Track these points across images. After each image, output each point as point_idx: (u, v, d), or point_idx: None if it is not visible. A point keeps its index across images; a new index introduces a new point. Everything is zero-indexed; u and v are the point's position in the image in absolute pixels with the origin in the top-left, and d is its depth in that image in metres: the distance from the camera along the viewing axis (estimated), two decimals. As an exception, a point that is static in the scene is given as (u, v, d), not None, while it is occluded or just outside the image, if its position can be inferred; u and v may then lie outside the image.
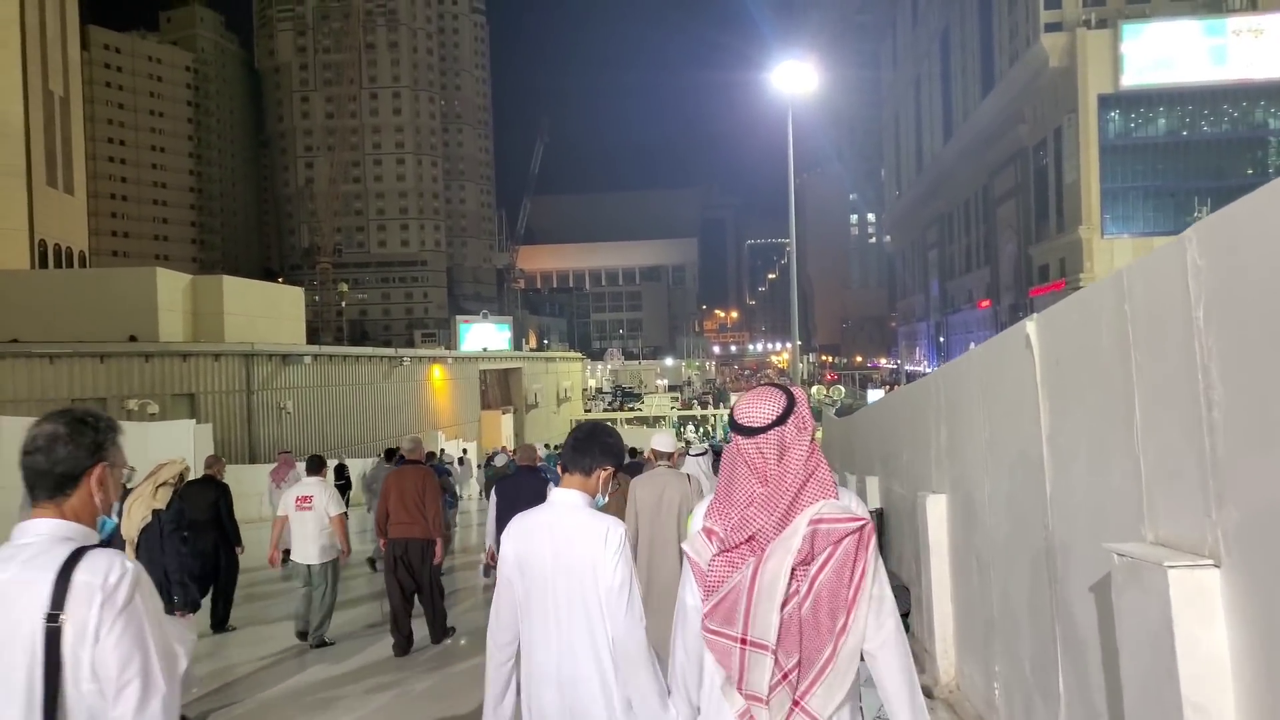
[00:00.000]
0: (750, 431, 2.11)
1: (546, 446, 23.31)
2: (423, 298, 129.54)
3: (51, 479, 1.96)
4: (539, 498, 7.62)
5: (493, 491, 7.74)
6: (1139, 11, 63.40)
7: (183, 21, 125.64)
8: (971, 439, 4.71)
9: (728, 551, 2.11)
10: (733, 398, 73.83)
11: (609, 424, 3.44)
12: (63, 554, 1.88)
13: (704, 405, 75.66)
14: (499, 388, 45.34)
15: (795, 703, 2.04)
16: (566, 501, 2.91)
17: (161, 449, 16.02)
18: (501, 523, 6.75)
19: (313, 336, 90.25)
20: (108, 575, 1.86)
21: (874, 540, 2.13)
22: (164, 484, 7.01)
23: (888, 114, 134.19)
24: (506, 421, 42.95)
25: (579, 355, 68.41)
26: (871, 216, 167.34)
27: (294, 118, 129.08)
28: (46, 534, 1.93)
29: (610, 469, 3.04)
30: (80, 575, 1.85)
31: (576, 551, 2.78)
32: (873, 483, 8.47)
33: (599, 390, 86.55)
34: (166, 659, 1.93)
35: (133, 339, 20.39)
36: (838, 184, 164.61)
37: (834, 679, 2.04)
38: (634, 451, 20.26)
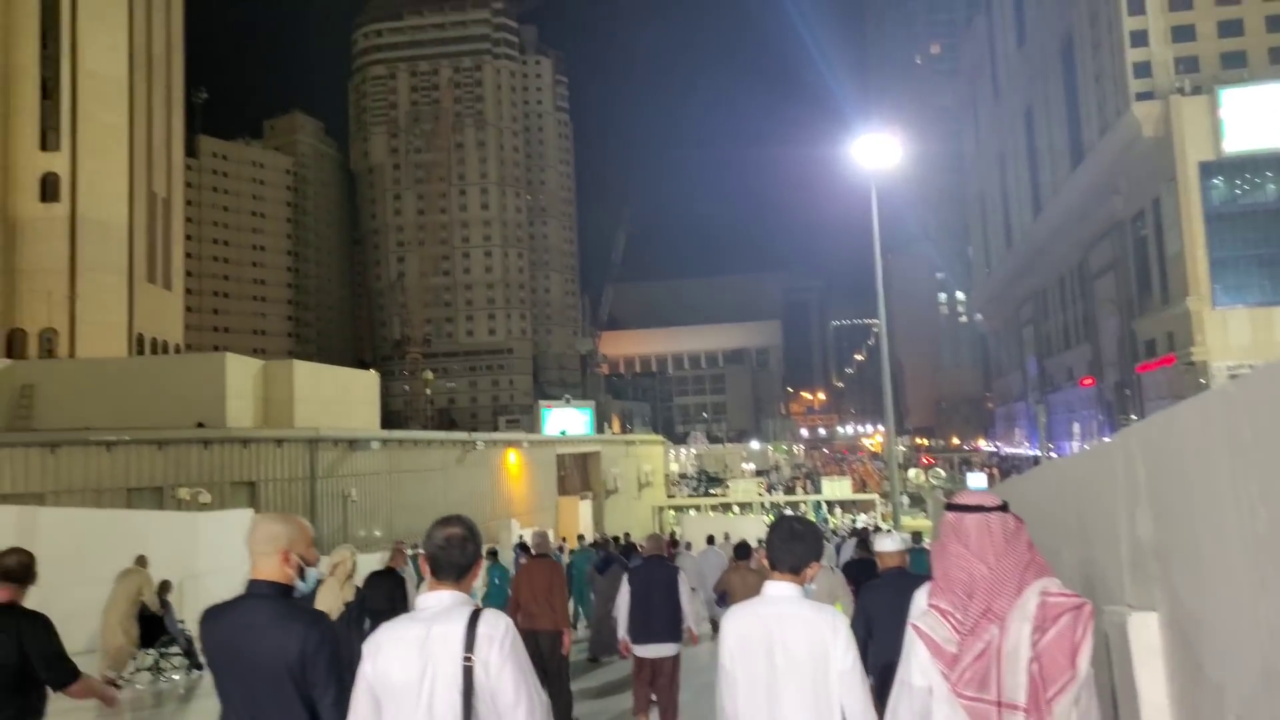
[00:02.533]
0: (983, 509, 2.47)
1: (616, 541, 21.83)
2: (508, 385, 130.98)
3: (457, 568, 2.81)
4: (672, 588, 7.74)
5: (624, 581, 8.01)
6: (1236, 76, 60.94)
7: (285, 128, 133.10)
8: (1215, 529, 2.59)
9: (970, 624, 2.39)
10: (824, 482, 71.56)
11: (805, 518, 3.52)
12: (465, 614, 2.68)
13: (790, 490, 73.19)
14: (577, 473, 44.40)
15: None
16: (784, 595, 3.08)
17: (214, 539, 15.43)
18: (635, 614, 7.51)
19: (401, 424, 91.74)
20: (498, 628, 2.66)
21: (1093, 621, 2.40)
22: (349, 577, 7.67)
23: (973, 191, 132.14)
24: (585, 508, 41.80)
25: (660, 438, 67.18)
26: (961, 295, 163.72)
27: (387, 215, 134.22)
28: (450, 601, 2.75)
29: (818, 564, 3.19)
30: (481, 628, 2.65)
31: (805, 639, 2.96)
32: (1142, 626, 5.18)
33: (682, 475, 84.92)
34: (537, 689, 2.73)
35: (200, 425, 20.25)
36: (925, 263, 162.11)
37: None
38: (710, 539, 18.98)
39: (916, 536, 20.64)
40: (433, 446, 26.40)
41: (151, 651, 11.77)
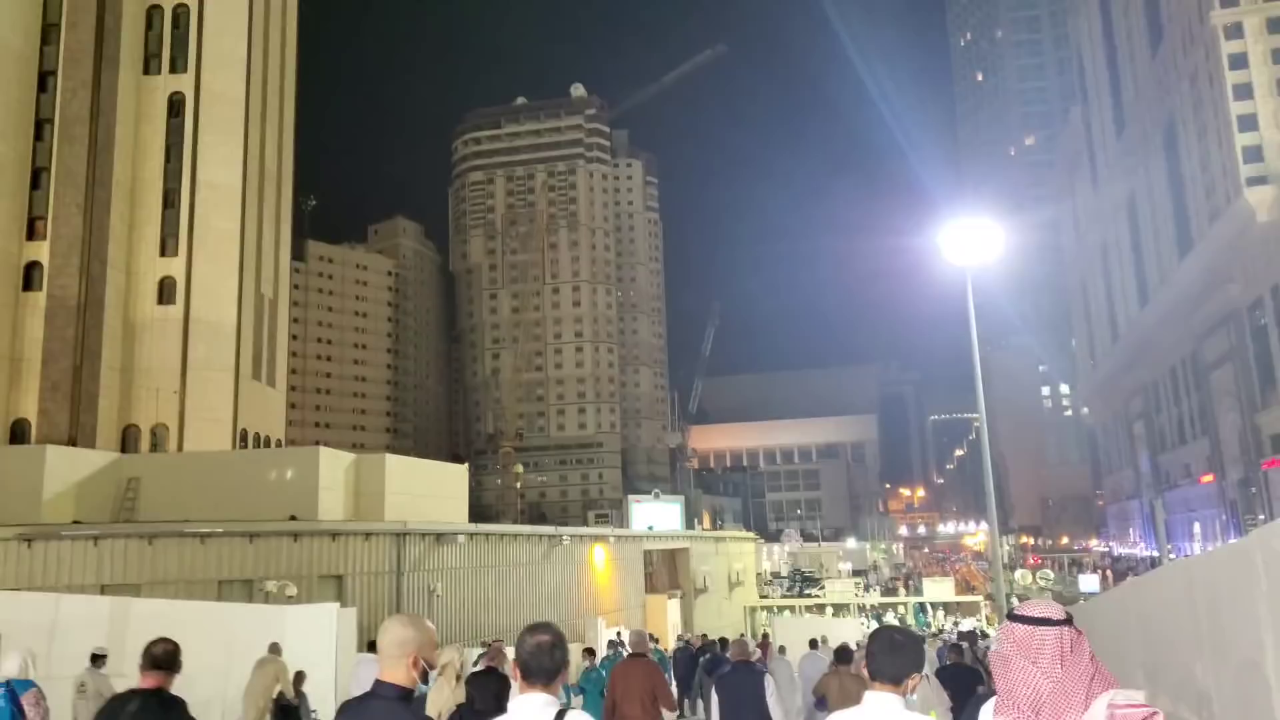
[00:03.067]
0: (1051, 623, 2.44)
1: (704, 637, 20.99)
2: (598, 479, 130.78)
3: (547, 673, 3.03)
4: (758, 693, 7.67)
5: (714, 690, 8.13)
6: (1356, 156, 58.39)
7: (388, 232, 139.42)
8: None
9: None
10: (926, 583, 68.74)
11: (906, 628, 3.41)
12: (553, 712, 2.95)
13: (890, 591, 70.20)
14: (666, 570, 43.33)
15: None
16: (885, 705, 3.05)
17: (301, 633, 15.32)
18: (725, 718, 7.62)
19: (492, 518, 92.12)
20: None
21: None
22: (459, 677, 7.86)
23: (1074, 282, 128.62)
24: (673, 607, 40.60)
25: (752, 535, 65.51)
26: (1065, 388, 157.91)
27: (482, 313, 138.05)
28: (542, 703, 2.97)
29: (919, 675, 3.18)
30: None
31: None
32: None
33: (775, 574, 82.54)
34: None
35: (293, 518, 20.50)
36: (1026, 355, 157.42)
37: None
38: (813, 643, 17.99)
39: None
40: (519, 540, 26.07)
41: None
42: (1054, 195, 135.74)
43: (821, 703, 9.70)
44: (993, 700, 2.57)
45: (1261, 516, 53.15)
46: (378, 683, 3.22)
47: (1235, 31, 62.79)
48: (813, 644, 17.79)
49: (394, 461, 25.43)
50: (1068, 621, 2.48)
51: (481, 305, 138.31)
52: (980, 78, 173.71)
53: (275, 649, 12.17)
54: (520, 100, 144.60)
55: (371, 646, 13.35)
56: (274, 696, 11.84)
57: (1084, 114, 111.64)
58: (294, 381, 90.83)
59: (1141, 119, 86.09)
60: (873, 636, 3.28)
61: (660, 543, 42.88)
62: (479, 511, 76.83)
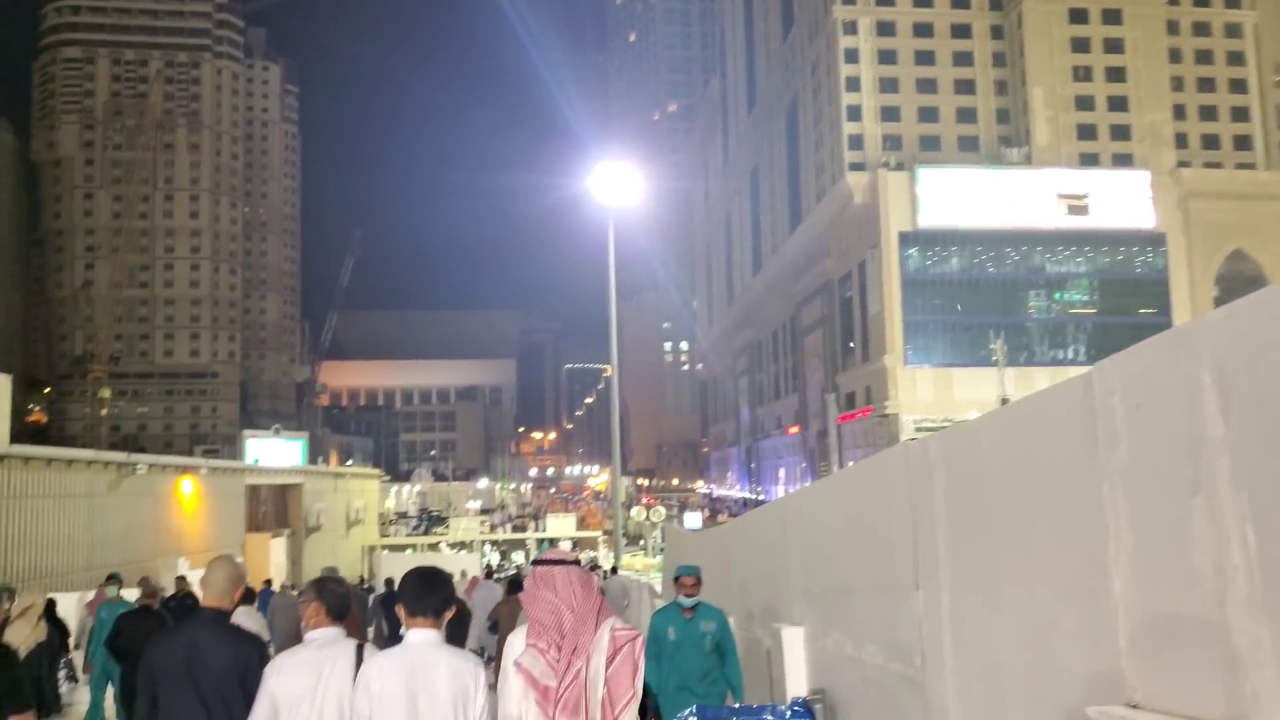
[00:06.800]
0: (565, 563, 3.14)
1: (389, 581, 18.08)
2: (211, 412, 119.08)
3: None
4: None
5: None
6: (933, 158, 67.89)
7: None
8: (833, 576, 5.02)
9: (564, 660, 2.93)
10: (550, 519, 71.10)
11: (437, 567, 3.60)
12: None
13: (521, 529, 71.33)
14: (274, 506, 39.70)
15: None
16: (427, 637, 3.20)
17: None
18: None
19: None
20: None
21: (643, 647, 3.08)
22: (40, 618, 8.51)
23: (700, 246, 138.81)
24: (278, 546, 37.19)
25: (376, 472, 62.80)
26: (685, 345, 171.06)
27: (74, 214, 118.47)
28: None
29: (453, 608, 3.39)
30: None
31: (449, 684, 3.14)
32: (792, 637, 5.03)
33: (401, 514, 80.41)
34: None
35: None
36: (653, 311, 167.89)
37: None
38: (488, 573, 16.77)
39: (614, 572, 19.74)
40: (74, 467, 21.54)
41: None
42: (689, 164, 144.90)
43: (494, 626, 10.58)
44: (522, 628, 3.10)
45: (834, 464, 60.75)
46: None
47: (851, 28, 70.07)
48: (488, 574, 17.84)
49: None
50: (577, 563, 3.20)
51: (74, 205, 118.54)
52: (633, 38, 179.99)
53: None
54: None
55: None
56: None
57: (721, 87, 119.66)
58: None
59: (769, 98, 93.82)
60: (405, 578, 3.38)
61: (268, 477, 39.06)
62: (63, 444, 65.69)
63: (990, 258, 66.59)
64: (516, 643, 3.03)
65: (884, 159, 67.13)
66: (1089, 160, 67.65)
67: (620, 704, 2.91)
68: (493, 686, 3.18)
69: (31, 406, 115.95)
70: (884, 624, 3.57)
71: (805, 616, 4.93)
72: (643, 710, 4.52)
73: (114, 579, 10.84)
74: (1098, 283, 66.41)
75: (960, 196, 64.28)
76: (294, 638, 8.43)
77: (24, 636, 7.94)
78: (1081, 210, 64.65)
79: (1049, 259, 66.79)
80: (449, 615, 3.25)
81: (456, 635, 7.39)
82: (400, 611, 3.27)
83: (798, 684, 4.71)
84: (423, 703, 2.98)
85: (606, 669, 2.92)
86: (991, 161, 67.87)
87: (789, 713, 4.19)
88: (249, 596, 10.42)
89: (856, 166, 67.75)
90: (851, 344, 71.27)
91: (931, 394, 62.32)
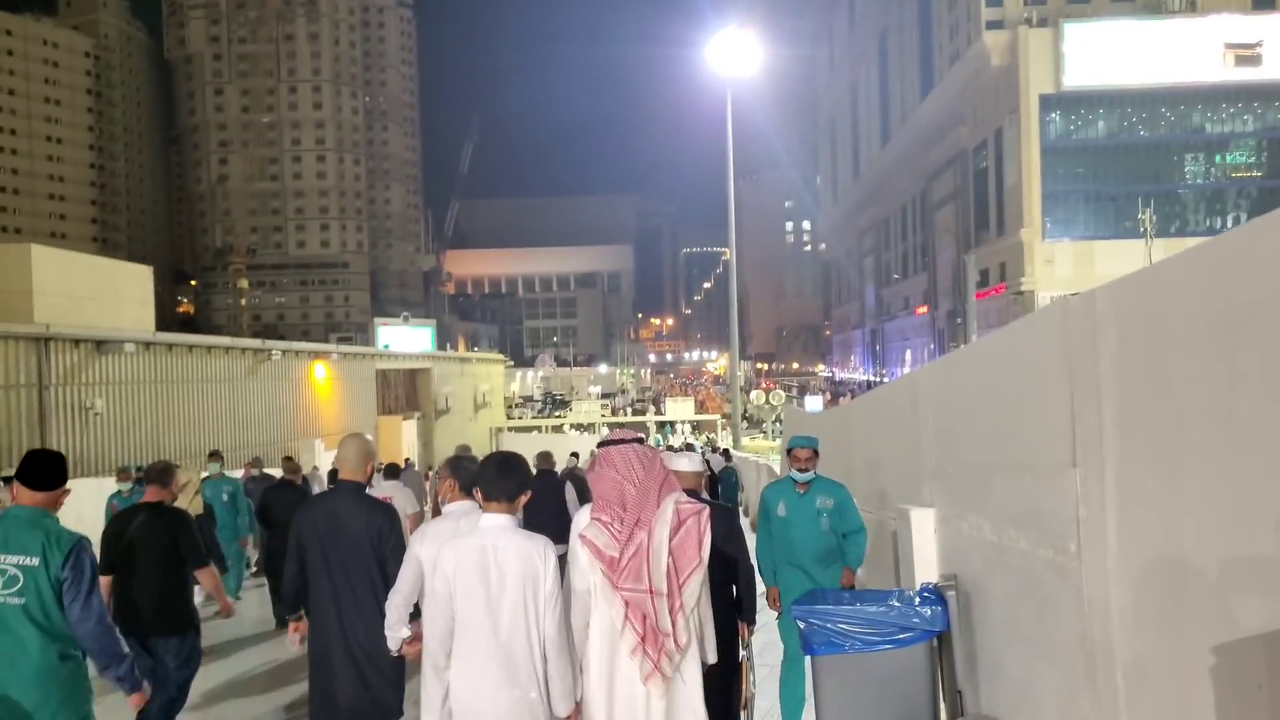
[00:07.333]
0: (625, 442, 3.26)
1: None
2: (344, 301, 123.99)
3: (506, 492, 3.43)
4: (560, 497, 8.61)
5: None
6: (1080, 11, 61.99)
7: (83, 6, 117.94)
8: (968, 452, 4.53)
9: (626, 532, 3.07)
10: (669, 403, 72.32)
11: (515, 453, 3.67)
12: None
13: (641, 412, 72.54)
14: (404, 390, 41.18)
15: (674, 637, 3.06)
16: (500, 521, 3.28)
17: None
18: None
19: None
20: None
21: (709, 519, 3.20)
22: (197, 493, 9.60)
23: (824, 119, 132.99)
24: (409, 428, 38.74)
25: (501, 357, 64.31)
26: (807, 224, 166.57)
27: (207, 111, 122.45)
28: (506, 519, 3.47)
29: (528, 494, 3.45)
30: None
31: (518, 565, 3.26)
32: (922, 519, 4.55)
33: (526, 397, 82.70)
34: None
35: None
36: (774, 190, 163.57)
37: (688, 614, 3.11)
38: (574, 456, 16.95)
39: (726, 454, 19.46)
40: (214, 353, 22.47)
41: None
42: (812, 30, 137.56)
43: None
44: (588, 506, 3.23)
45: (962, 344, 58.57)
46: None
47: None
48: (574, 456, 17.45)
49: (44, 254, 20.70)
50: (641, 441, 3.30)
51: (205, 102, 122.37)
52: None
53: None
54: None
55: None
56: None
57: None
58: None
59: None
60: (484, 462, 3.47)
61: (398, 362, 40.37)
62: (210, 334, 69.99)
63: (1142, 119, 61.13)
64: (582, 519, 3.19)
65: (1025, 15, 61.67)
66: (1264, 2, 60.45)
67: (686, 573, 3.08)
68: (562, 558, 3.20)
69: (180, 299, 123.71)
70: (1030, 506, 3.21)
71: (936, 498, 4.60)
72: (733, 580, 4.37)
73: (215, 456, 11.21)
74: (1266, 142, 60.28)
75: (1111, 52, 58.65)
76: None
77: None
78: (1253, 61, 58.07)
79: (1210, 118, 60.81)
80: (523, 499, 3.35)
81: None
82: (477, 495, 3.39)
83: (927, 569, 4.44)
84: (494, 583, 3.09)
85: (671, 540, 3.08)
86: (1149, 11, 61.42)
87: (918, 598, 3.75)
88: (393, 472, 10.89)
89: (994, 24, 62.53)
90: (986, 219, 67.55)
91: (1071, 269, 58.58)
